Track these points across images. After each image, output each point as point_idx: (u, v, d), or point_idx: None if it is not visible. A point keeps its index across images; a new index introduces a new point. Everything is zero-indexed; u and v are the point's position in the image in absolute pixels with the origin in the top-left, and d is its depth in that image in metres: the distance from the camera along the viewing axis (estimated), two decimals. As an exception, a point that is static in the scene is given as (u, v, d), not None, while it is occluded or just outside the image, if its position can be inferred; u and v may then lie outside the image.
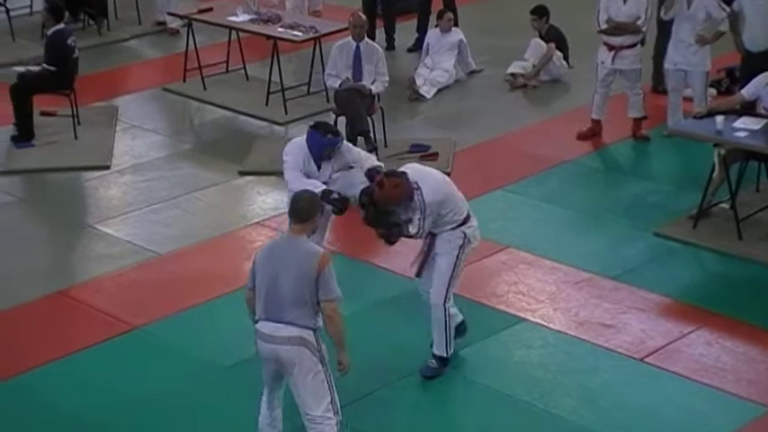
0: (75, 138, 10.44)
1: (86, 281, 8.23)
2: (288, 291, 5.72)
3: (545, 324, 7.47)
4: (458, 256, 6.74)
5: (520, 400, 6.71)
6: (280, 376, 5.93)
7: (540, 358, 7.17)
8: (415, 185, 6.55)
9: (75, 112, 10.47)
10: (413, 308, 7.23)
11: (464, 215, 6.76)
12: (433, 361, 6.87)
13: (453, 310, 6.88)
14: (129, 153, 10.34)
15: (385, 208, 6.52)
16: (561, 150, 10.09)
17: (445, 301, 6.75)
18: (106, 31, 13.34)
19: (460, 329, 7.05)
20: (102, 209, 9.36)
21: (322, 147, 7.24)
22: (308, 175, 7.25)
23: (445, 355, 6.85)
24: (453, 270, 6.73)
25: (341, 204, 7.21)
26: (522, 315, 7.59)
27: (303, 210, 5.89)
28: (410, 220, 6.58)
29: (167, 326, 7.54)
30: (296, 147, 7.33)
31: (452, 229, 6.73)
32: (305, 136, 7.32)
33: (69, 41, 10.36)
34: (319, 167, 7.30)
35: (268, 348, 5.81)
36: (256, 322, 5.90)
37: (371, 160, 7.37)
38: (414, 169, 6.72)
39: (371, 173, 7.11)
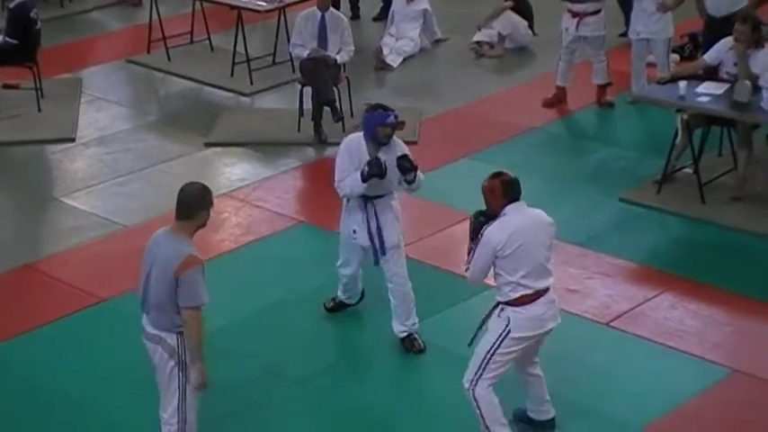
0: (39, 110, 10.37)
1: (53, 254, 8.20)
2: (151, 288, 5.56)
3: (512, 290, 7.52)
4: (494, 343, 5.78)
5: (487, 365, 6.76)
6: None
7: (507, 324, 7.22)
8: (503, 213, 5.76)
9: (38, 85, 10.39)
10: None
11: (519, 293, 5.73)
12: None
13: (487, 395, 5.83)
14: (94, 125, 10.28)
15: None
16: (527, 118, 10.12)
17: (473, 384, 5.85)
18: (68, 2, 13.23)
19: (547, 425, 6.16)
20: (67, 182, 9.32)
21: (372, 124, 6.58)
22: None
23: None
24: (487, 354, 5.80)
25: (377, 168, 6.49)
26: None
27: (182, 204, 5.52)
28: (470, 249, 5.84)
29: (134, 298, 7.49)
30: (341, 148, 6.77)
31: (500, 301, 5.83)
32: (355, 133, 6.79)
33: (32, 14, 10.26)
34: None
35: (145, 344, 5.70)
36: None
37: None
38: (520, 206, 5.85)
39: (401, 161, 6.55)
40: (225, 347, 6.86)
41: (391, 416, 6.41)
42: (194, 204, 5.53)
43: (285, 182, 9.26)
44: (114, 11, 13.25)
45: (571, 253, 7.93)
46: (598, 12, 10.19)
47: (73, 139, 9.98)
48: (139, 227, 8.38)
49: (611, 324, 7.15)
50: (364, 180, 6.55)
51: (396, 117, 6.60)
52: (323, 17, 9.85)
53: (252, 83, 10.96)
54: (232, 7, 11.10)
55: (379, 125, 6.57)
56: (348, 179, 6.65)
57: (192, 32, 11.83)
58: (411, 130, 9.85)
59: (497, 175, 5.91)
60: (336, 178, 6.72)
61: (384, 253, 6.79)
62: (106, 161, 9.59)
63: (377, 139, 6.61)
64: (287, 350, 6.98)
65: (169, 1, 11.93)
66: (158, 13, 11.54)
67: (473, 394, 5.84)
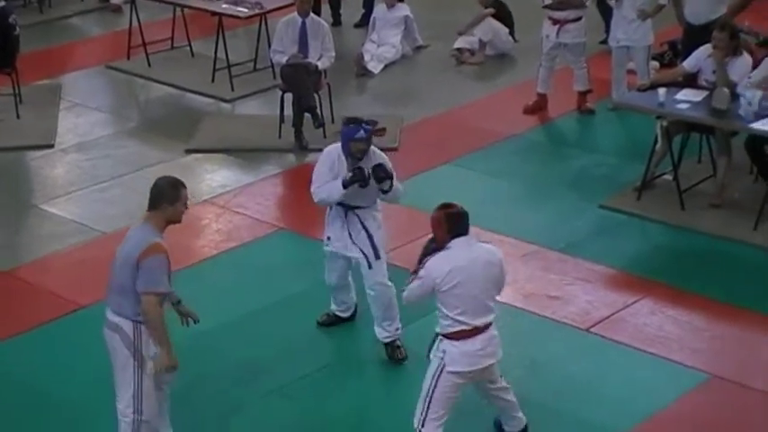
0: (18, 117, 10.32)
1: (33, 261, 8.16)
2: (114, 275, 5.61)
3: (492, 297, 7.53)
4: (433, 376, 5.70)
5: (468, 372, 6.76)
6: None
7: (487, 331, 7.23)
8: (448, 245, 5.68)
9: (17, 91, 10.35)
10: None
11: (456, 329, 5.64)
12: None
13: None
14: (74, 131, 10.25)
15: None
16: (508, 125, 10.15)
17: (421, 425, 5.74)
18: (48, 8, 13.18)
19: None
20: (46, 188, 9.28)
21: (345, 139, 6.56)
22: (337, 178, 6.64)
23: None
24: (428, 392, 5.71)
25: (360, 176, 6.46)
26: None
27: (151, 195, 5.62)
28: (416, 270, 5.78)
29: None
30: (321, 157, 6.77)
31: (439, 333, 5.74)
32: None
33: (10, 20, 10.22)
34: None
35: (104, 331, 5.70)
36: None
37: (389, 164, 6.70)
38: (466, 241, 5.74)
39: (376, 170, 6.50)
40: (204, 353, 6.85)
41: (372, 424, 6.40)
42: (159, 195, 5.60)
43: (266, 188, 9.25)
44: (94, 17, 13.21)
45: (551, 259, 7.96)
46: (579, 19, 10.24)
47: (52, 146, 9.94)
48: (119, 233, 8.26)
49: (591, 330, 7.17)
50: (345, 187, 6.54)
51: (366, 131, 6.54)
52: (303, 23, 9.85)
53: (233, 89, 10.95)
54: (213, 13, 11.08)
55: (351, 140, 6.55)
56: (325, 186, 6.64)
57: (172, 38, 11.81)
58: (392, 136, 9.85)
59: (444, 206, 5.79)
60: (313, 185, 6.72)
61: (378, 257, 6.76)
62: (86, 167, 9.56)
63: (351, 154, 6.59)
64: (266, 358, 6.96)
65: (149, 7, 11.91)
66: (138, 19, 11.51)
67: None
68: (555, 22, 10.22)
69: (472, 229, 8.28)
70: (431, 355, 5.81)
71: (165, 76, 11.38)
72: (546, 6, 10.23)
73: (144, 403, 5.60)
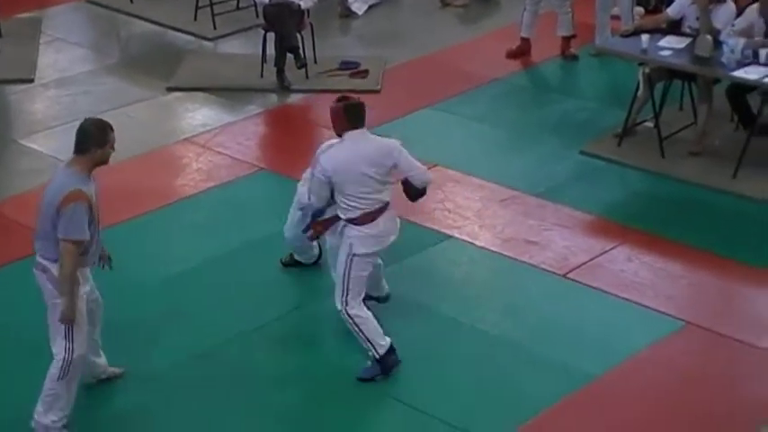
0: (-2, 51, 10.25)
1: (12, 196, 8.14)
2: (39, 219, 5.62)
3: (471, 241, 7.57)
4: (346, 261, 6.11)
5: (445, 315, 6.82)
6: None
7: (465, 275, 7.28)
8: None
9: (-3, 25, 10.26)
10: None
11: (356, 214, 6.03)
12: (369, 362, 6.27)
13: (359, 311, 6.17)
14: (54, 67, 10.16)
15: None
16: (491, 68, 10.12)
17: (344, 305, 6.15)
18: (29, -59, 13.00)
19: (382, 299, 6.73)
20: (26, 123, 9.23)
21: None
22: None
23: (376, 355, 6.22)
24: (344, 276, 6.12)
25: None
26: (448, 232, 7.67)
27: (77, 138, 5.56)
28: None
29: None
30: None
31: (343, 218, 6.11)
32: None
33: (-10, -49, 10.09)
34: None
35: (34, 273, 5.72)
36: None
37: None
38: (360, 134, 6.04)
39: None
40: (180, 291, 6.87)
41: (349, 364, 6.43)
42: (87, 139, 5.56)
43: (247, 128, 9.22)
44: (76, -50, 13.05)
45: (530, 204, 7.98)
46: (564, -37, 10.18)
47: (32, 80, 9.87)
48: (100, 171, 8.28)
49: (568, 276, 7.21)
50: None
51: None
52: (287, -38, 9.75)
53: (215, 27, 10.86)
54: (196, -51, 10.97)
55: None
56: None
57: (154, -26, 11.68)
58: (374, 78, 9.82)
59: (341, 99, 6.09)
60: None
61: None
62: (65, 103, 9.50)
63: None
64: (240, 297, 6.97)
65: (132, -58, 11.76)
66: (121, -46, 11.39)
67: (347, 314, 6.15)
68: (540, -34, 10.16)
69: (452, 173, 8.40)
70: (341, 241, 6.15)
71: (147, 12, 11.27)
72: (532, -50, 10.16)
73: (74, 342, 5.64)
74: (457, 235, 7.63)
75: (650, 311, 6.86)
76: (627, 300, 6.96)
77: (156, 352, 6.45)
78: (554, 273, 7.23)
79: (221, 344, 6.55)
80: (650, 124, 8.76)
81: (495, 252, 7.45)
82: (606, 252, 7.44)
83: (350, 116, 6.02)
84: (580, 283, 7.14)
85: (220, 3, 11.02)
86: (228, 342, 6.57)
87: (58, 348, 5.66)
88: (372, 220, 6.09)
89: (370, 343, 6.20)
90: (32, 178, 8.30)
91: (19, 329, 6.67)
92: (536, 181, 8.26)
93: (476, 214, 7.88)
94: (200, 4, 10.93)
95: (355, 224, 6.08)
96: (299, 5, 9.72)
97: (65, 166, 5.65)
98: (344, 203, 6.06)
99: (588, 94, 9.78)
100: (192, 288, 7.04)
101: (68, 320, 5.58)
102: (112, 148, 5.64)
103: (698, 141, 8.60)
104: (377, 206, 6.09)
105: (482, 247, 7.51)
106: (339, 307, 6.19)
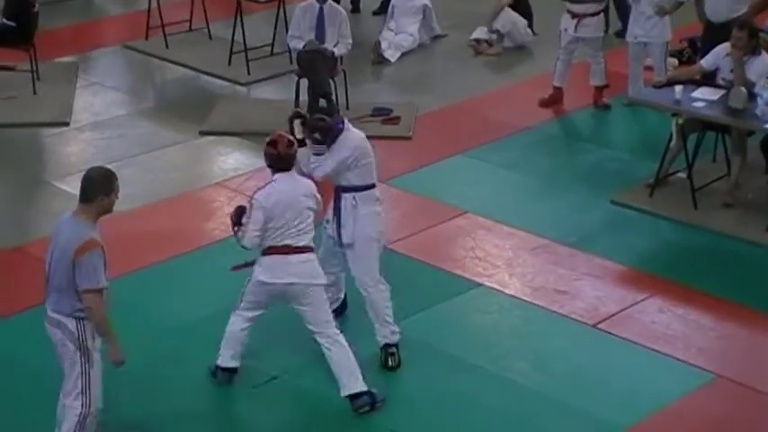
0: (35, 93, 10.35)
1: (44, 237, 8.12)
2: (53, 272, 5.58)
3: (501, 289, 7.54)
4: (247, 279, 6.47)
5: (472, 363, 6.77)
6: None
7: (494, 323, 7.24)
8: None
9: (34, 68, 10.37)
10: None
11: (269, 245, 6.35)
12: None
13: (236, 328, 6.51)
14: (89, 110, 10.27)
15: None
16: (523, 117, 10.12)
17: (233, 310, 6.49)
18: (68, -15, 13.20)
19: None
20: (60, 165, 9.31)
21: None
22: None
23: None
24: (243, 290, 6.47)
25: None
26: (478, 280, 7.64)
27: (82, 187, 5.55)
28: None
29: (124, 284, 7.48)
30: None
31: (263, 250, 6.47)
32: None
33: (30, -4, 10.25)
34: None
35: (47, 327, 5.71)
36: None
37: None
38: (288, 176, 6.46)
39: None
40: (210, 335, 6.87)
41: (372, 413, 6.38)
42: (92, 188, 5.56)
43: (278, 173, 9.23)
44: (114, -4, 13.24)
45: (561, 253, 7.94)
46: (598, 13, 10.21)
47: (67, 123, 9.97)
48: (131, 213, 8.37)
49: (599, 326, 7.15)
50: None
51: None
52: (321, 9, 9.83)
53: (249, 72, 10.95)
54: (232, -4, 11.09)
55: None
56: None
57: (191, 20, 11.82)
58: (406, 125, 9.86)
59: (270, 143, 6.48)
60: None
61: (340, 245, 6.71)
62: (100, 146, 9.58)
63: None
64: (269, 341, 6.95)
65: (169, -12, 11.92)
66: (157, 0, 11.52)
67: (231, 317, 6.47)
68: (574, 15, 10.19)
69: (483, 221, 8.38)
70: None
71: (182, 57, 11.39)
72: (565, -1, 10.21)
73: (91, 396, 5.66)
74: (487, 283, 7.60)
75: (680, 363, 6.78)
76: (657, 351, 6.89)
77: (180, 400, 6.43)
78: (584, 323, 7.18)
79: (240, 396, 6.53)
80: (683, 175, 8.71)
81: (525, 301, 7.41)
82: (637, 303, 7.38)
83: (278, 161, 6.43)
84: (610, 333, 7.08)
85: (255, 48, 11.12)
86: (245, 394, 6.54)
87: (75, 402, 5.65)
88: (283, 254, 6.32)
89: (225, 351, 6.50)
90: (65, 220, 8.36)
91: (53, 375, 6.68)
92: (567, 230, 8.23)
93: (506, 262, 7.85)
94: (234, 50, 11.03)
95: (266, 254, 6.34)
96: (333, 52, 9.79)
97: (71, 216, 5.60)
98: (267, 235, 6.31)
99: (620, 145, 9.76)
100: (220, 332, 7.02)
101: (121, 362, 5.63)
102: (117, 196, 5.62)
103: (731, 193, 8.55)
104: (293, 242, 6.32)
105: (512, 296, 7.48)
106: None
